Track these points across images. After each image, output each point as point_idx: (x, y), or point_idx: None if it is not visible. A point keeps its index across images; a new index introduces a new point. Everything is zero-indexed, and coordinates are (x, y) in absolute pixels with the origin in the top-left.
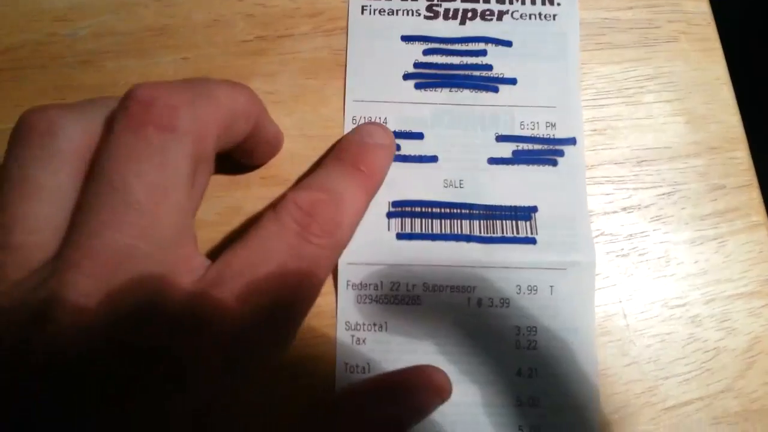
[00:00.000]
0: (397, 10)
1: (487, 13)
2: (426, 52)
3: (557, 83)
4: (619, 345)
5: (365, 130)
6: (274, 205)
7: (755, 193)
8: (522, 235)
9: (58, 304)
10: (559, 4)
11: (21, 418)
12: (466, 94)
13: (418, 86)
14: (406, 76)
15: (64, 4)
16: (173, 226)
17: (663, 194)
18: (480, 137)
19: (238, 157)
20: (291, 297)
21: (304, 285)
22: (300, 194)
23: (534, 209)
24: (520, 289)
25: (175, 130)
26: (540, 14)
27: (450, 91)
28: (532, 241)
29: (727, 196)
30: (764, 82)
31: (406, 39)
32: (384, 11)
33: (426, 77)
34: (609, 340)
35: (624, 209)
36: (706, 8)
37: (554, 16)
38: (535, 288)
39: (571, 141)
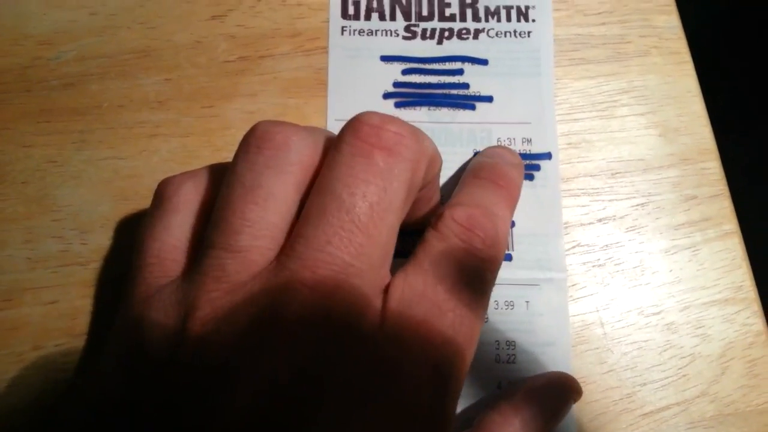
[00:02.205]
0: (376, 31)
1: (464, 32)
2: (405, 72)
3: (532, 99)
4: (597, 353)
5: (494, 151)
6: (432, 224)
7: (727, 203)
8: None
9: (280, 317)
10: (533, 21)
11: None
12: (444, 112)
13: (397, 105)
14: (386, 95)
15: (48, 29)
16: (383, 247)
17: (637, 205)
18: (459, 153)
19: None
20: (472, 312)
21: (478, 298)
22: (456, 211)
23: (511, 224)
24: (498, 305)
25: (399, 156)
26: (515, 32)
27: (429, 109)
28: (508, 257)
29: (699, 206)
30: (735, 94)
31: (386, 59)
32: (363, 32)
33: (405, 96)
34: (587, 348)
35: (599, 220)
36: (676, 22)
37: (529, 33)
38: (512, 303)
39: (547, 155)
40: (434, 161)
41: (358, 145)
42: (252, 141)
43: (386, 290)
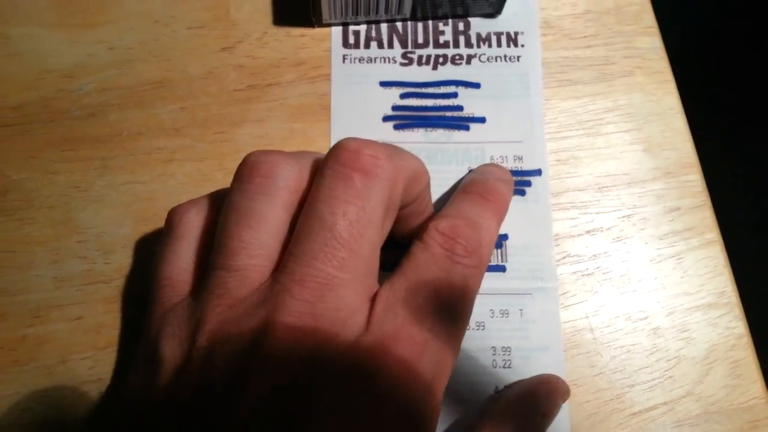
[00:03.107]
0: (375, 58)
1: (457, 57)
2: (403, 96)
3: (523, 119)
4: (587, 357)
5: (485, 168)
6: (418, 236)
7: (708, 213)
8: (493, 263)
9: (274, 323)
10: (522, 46)
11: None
12: (440, 133)
13: (396, 127)
14: (386, 118)
15: (69, 63)
16: (366, 259)
17: (623, 217)
18: (454, 171)
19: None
20: (452, 314)
21: (459, 302)
22: (440, 222)
23: (505, 237)
24: (493, 313)
25: (375, 176)
26: (505, 56)
27: (426, 130)
28: (502, 269)
29: (683, 217)
30: (715, 110)
31: (384, 84)
32: (363, 59)
33: (403, 119)
34: (578, 352)
35: (588, 232)
36: (658, 44)
37: (518, 57)
38: (506, 312)
39: (537, 172)
40: (417, 177)
41: (338, 169)
42: (244, 171)
43: (373, 299)
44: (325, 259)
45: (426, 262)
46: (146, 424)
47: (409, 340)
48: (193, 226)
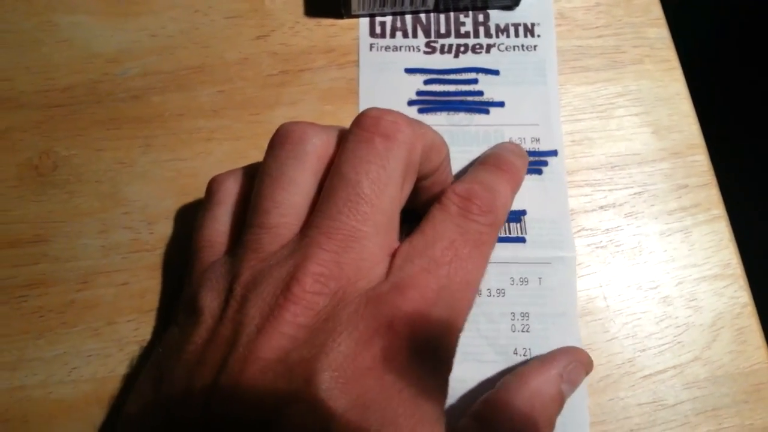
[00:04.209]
0: (400, 47)
1: (477, 47)
2: (426, 82)
3: (539, 104)
4: (600, 323)
5: (502, 146)
6: (438, 199)
7: (714, 191)
8: (513, 235)
9: (303, 270)
10: (539, 36)
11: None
12: (461, 117)
13: (420, 111)
14: (410, 102)
15: (114, 48)
16: (387, 213)
17: (634, 194)
18: (475, 152)
19: (414, 194)
20: (468, 264)
21: (474, 253)
22: (457, 186)
23: (523, 213)
24: (513, 281)
25: (395, 140)
26: (522, 45)
27: (448, 114)
28: (522, 240)
29: (690, 194)
30: (719, 94)
31: (409, 71)
32: (389, 48)
33: (427, 103)
34: (592, 319)
35: (601, 207)
36: (666, 34)
37: (535, 46)
38: (526, 280)
39: (554, 153)
40: (436, 147)
41: (360, 134)
42: (276, 139)
43: (394, 254)
44: (349, 213)
45: (443, 220)
46: (187, 361)
47: (425, 287)
48: (230, 192)
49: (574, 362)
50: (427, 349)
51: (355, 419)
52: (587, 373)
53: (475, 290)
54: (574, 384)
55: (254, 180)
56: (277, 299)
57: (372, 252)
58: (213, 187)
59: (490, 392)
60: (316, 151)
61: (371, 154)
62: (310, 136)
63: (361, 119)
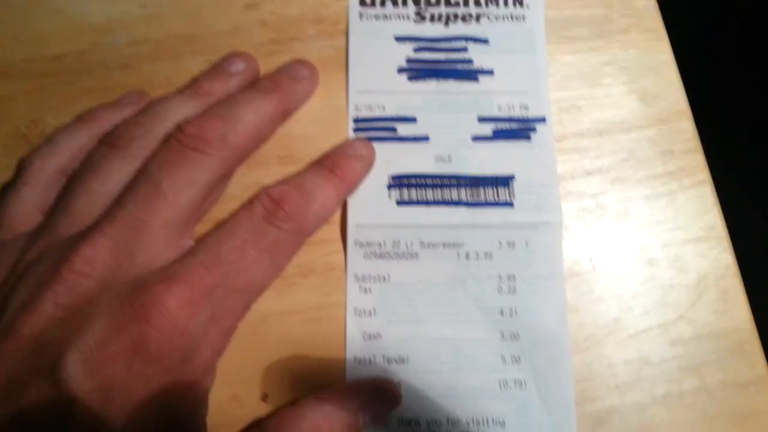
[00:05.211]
0: (390, 15)
1: (467, 16)
2: (416, 50)
3: (528, 72)
4: (587, 284)
5: (348, 143)
6: (249, 198)
7: (699, 156)
8: (502, 199)
9: (75, 252)
10: (527, 6)
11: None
12: (451, 84)
13: (410, 78)
14: (400, 70)
15: (104, 17)
16: (183, 212)
17: (621, 159)
18: (464, 119)
19: None
20: (250, 269)
21: (262, 260)
22: (273, 188)
23: (512, 177)
24: (500, 244)
25: (205, 153)
26: (511, 15)
27: (437, 81)
28: (510, 204)
29: (675, 159)
30: (705, 63)
31: (399, 39)
32: (379, 16)
33: (417, 71)
34: (579, 280)
35: (588, 173)
36: (653, 4)
37: (523, 16)
38: (513, 243)
39: (542, 119)
40: (266, 127)
41: (173, 145)
42: (110, 132)
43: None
44: (140, 205)
45: (244, 220)
46: None
47: (196, 281)
48: (36, 173)
49: (378, 394)
50: (184, 343)
51: (98, 402)
52: (392, 406)
53: (255, 295)
54: (372, 414)
55: (61, 159)
56: (44, 278)
57: (154, 244)
58: (22, 166)
59: (283, 408)
60: (142, 153)
61: (179, 160)
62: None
63: (177, 132)
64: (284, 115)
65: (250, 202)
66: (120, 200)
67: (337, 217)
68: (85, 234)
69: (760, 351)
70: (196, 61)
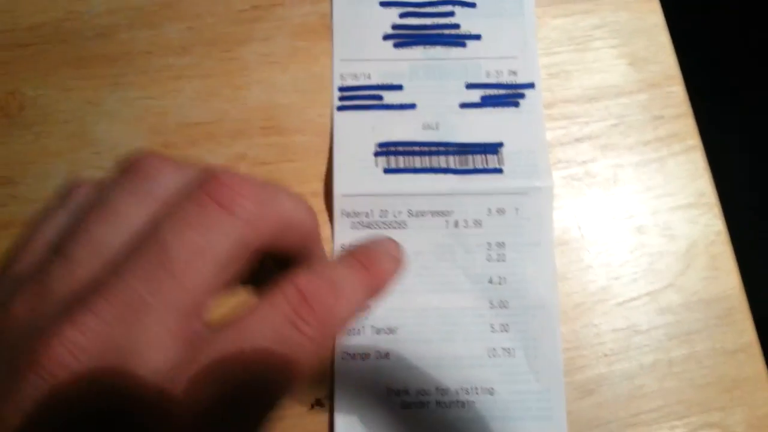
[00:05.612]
0: None
1: None
2: (402, 15)
3: (516, 36)
4: (575, 252)
5: (381, 242)
6: (271, 289)
7: (690, 121)
8: (491, 166)
9: (60, 337)
10: None
11: None
12: (438, 50)
13: (396, 45)
14: (386, 37)
15: None
16: (190, 292)
17: (611, 125)
18: (452, 86)
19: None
20: (263, 385)
21: (280, 373)
22: (301, 277)
23: (500, 144)
24: (490, 212)
25: (233, 213)
26: None
27: (424, 48)
28: (499, 171)
29: (666, 125)
30: (697, 26)
31: (384, 5)
32: None
33: (403, 37)
34: (567, 248)
35: (577, 140)
36: None
37: None
38: (503, 210)
39: (531, 85)
40: (293, 225)
41: (196, 195)
42: (122, 167)
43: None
44: (142, 276)
45: (264, 318)
46: None
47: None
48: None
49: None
50: None
51: None
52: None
53: (266, 413)
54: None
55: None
56: (20, 360)
57: (152, 333)
58: (69, 188)
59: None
60: (159, 193)
61: (196, 218)
62: (159, 175)
63: (207, 180)
64: None
65: (272, 296)
66: (122, 262)
67: (321, 188)
68: (78, 309)
69: (749, 318)
70: (175, 28)
